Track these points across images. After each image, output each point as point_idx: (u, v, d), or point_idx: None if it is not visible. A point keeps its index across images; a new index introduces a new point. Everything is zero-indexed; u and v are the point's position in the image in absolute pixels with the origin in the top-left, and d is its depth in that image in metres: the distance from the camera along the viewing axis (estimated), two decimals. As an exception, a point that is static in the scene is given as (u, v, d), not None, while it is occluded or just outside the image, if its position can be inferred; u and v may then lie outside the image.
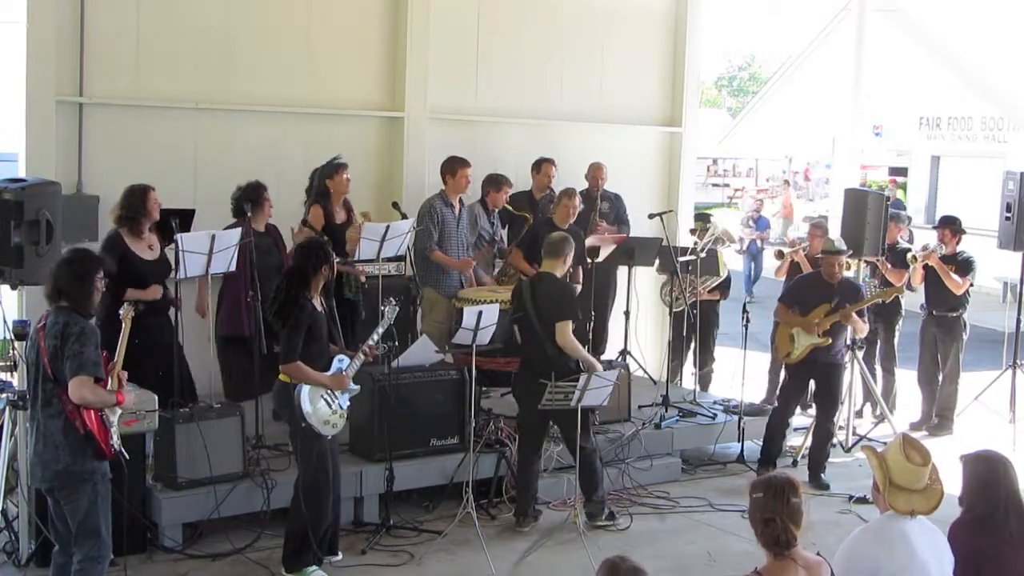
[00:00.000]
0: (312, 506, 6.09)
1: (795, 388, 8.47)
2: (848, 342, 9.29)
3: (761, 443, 8.45)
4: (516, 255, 8.86)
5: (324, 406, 6.05)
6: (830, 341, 8.07)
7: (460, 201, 8.68)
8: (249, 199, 7.57)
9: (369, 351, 6.30)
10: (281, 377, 6.10)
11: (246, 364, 7.34)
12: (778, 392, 8.71)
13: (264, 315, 6.75)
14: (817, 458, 8.28)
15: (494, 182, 8.93)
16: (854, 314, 8.07)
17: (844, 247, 8.32)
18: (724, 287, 9.99)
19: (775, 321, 8.56)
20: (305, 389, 5.99)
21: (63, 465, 4.97)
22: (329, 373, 6.11)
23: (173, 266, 6.93)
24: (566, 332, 6.87)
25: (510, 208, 9.15)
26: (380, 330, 6.38)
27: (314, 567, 6.17)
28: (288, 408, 6.07)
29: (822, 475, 8.21)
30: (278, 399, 6.23)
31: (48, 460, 5.00)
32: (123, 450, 5.21)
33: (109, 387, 5.06)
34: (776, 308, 8.47)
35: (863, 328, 8.37)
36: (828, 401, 8.33)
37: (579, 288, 8.84)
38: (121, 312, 5.47)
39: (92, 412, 4.97)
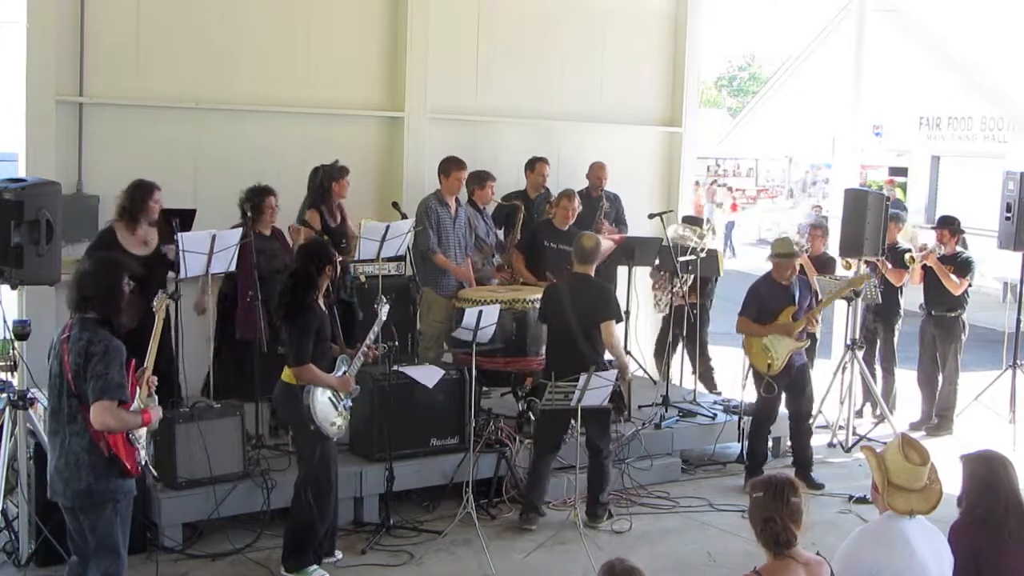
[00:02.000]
0: (314, 506, 6.09)
1: (776, 399, 8.17)
2: (848, 342, 9.31)
3: (746, 454, 8.36)
4: (516, 258, 8.85)
5: (331, 408, 6.07)
6: (809, 342, 7.98)
7: (457, 200, 8.67)
8: (250, 202, 7.56)
9: (369, 351, 6.31)
10: (284, 378, 6.10)
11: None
12: (757, 403, 8.34)
13: (272, 318, 6.75)
14: (803, 458, 8.18)
15: (477, 179, 8.84)
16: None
17: (793, 250, 8.11)
18: (703, 287, 9.65)
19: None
20: (316, 391, 5.99)
21: (85, 484, 4.78)
22: (335, 374, 6.13)
23: (172, 264, 6.91)
24: (613, 331, 7.02)
25: (501, 202, 9.13)
26: (376, 328, 6.37)
27: (315, 567, 6.17)
28: (291, 409, 6.07)
29: (812, 475, 8.14)
30: (280, 400, 6.23)
31: (69, 478, 4.79)
32: (151, 467, 5.10)
33: (137, 398, 4.87)
34: (738, 322, 8.17)
35: (816, 325, 8.20)
36: (803, 402, 8.19)
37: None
38: (155, 304, 5.27)
39: (120, 434, 4.79)
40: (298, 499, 6.15)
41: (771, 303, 8.06)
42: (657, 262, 9.60)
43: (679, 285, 9.33)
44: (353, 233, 8.02)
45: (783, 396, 8.25)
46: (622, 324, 7.58)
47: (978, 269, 9.77)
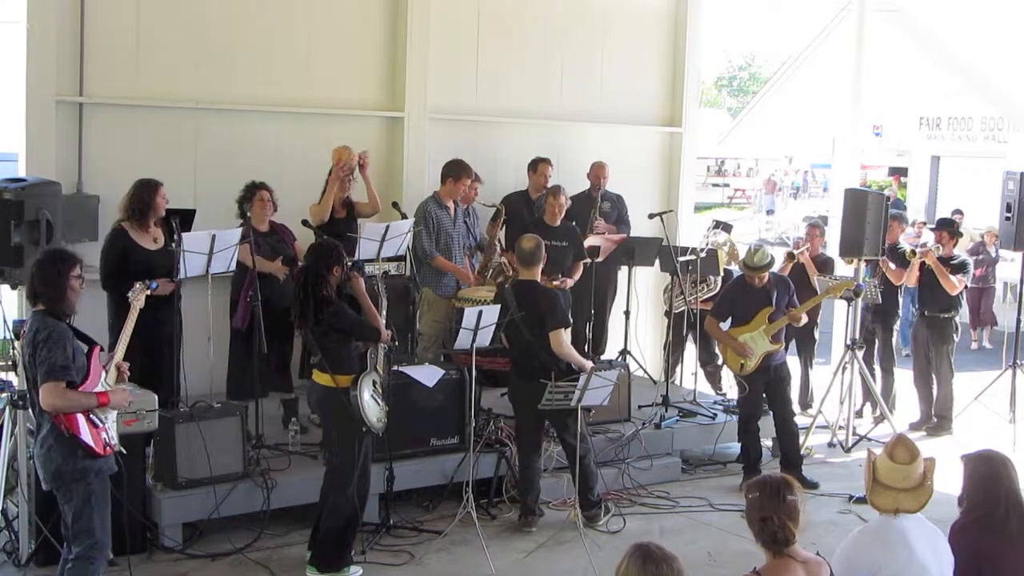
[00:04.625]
0: (360, 503, 6.16)
1: (754, 397, 8.21)
2: (848, 342, 9.31)
3: (741, 454, 8.36)
4: (512, 258, 8.80)
5: (375, 405, 6.09)
6: (783, 345, 7.95)
7: (455, 202, 8.66)
8: (243, 201, 7.62)
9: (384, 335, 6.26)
10: (321, 381, 6.06)
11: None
12: (738, 404, 8.46)
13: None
14: (791, 459, 8.14)
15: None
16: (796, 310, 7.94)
17: (766, 260, 7.96)
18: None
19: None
20: (363, 391, 5.97)
21: (55, 465, 4.95)
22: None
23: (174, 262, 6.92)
24: (560, 339, 6.86)
25: (500, 205, 9.12)
26: (383, 311, 6.34)
27: (356, 567, 6.18)
28: (333, 411, 6.05)
29: (805, 474, 8.09)
30: (321, 403, 6.22)
31: (44, 461, 5.00)
32: (121, 447, 5.16)
33: (104, 380, 5.00)
34: (707, 323, 8.27)
35: (802, 319, 8.15)
36: (782, 401, 8.18)
37: (568, 289, 8.79)
38: (130, 294, 5.41)
39: (76, 414, 4.91)
40: (336, 499, 6.09)
41: (747, 306, 8.08)
42: (657, 262, 9.63)
43: (695, 294, 9.30)
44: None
45: (763, 402, 8.29)
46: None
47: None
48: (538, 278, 7.08)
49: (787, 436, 8.22)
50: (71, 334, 4.98)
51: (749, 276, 8.04)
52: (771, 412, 8.30)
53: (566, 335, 6.94)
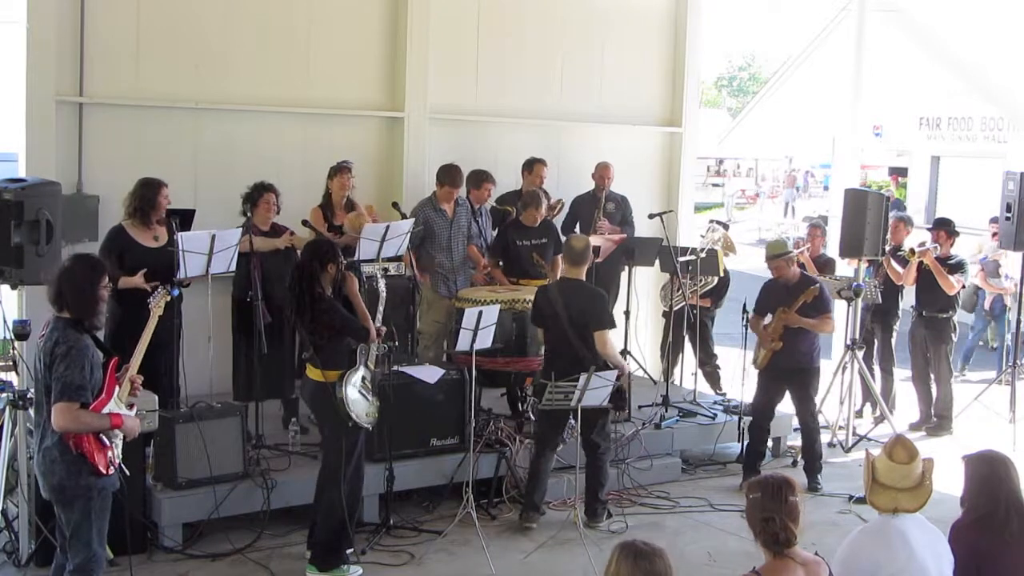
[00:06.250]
0: (352, 500, 6.15)
1: (766, 394, 8.22)
2: (848, 342, 9.31)
3: (744, 451, 8.38)
4: (492, 261, 8.80)
5: (363, 400, 6.09)
6: (781, 345, 7.92)
7: (456, 201, 8.64)
8: (248, 200, 7.62)
9: (377, 332, 6.27)
10: (313, 376, 6.07)
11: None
12: (752, 400, 8.46)
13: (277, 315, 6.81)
14: (810, 458, 8.20)
15: (474, 180, 8.79)
16: (795, 314, 7.87)
17: (778, 250, 8.01)
18: (716, 294, 9.80)
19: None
20: (348, 387, 5.98)
21: (57, 479, 4.82)
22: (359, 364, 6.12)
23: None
24: (606, 339, 6.93)
25: (495, 206, 9.11)
26: (381, 307, 6.36)
27: (353, 566, 6.18)
28: (325, 407, 6.06)
29: (819, 475, 8.16)
30: (314, 398, 6.22)
31: (45, 472, 4.86)
32: (124, 467, 5.03)
33: (116, 396, 4.86)
34: (751, 318, 8.38)
35: (819, 325, 7.98)
36: (798, 402, 8.19)
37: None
38: (151, 301, 5.32)
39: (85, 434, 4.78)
40: (330, 496, 6.09)
41: (771, 302, 8.13)
42: (657, 262, 9.62)
43: (694, 287, 9.30)
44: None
45: (776, 401, 8.31)
46: (617, 328, 7.54)
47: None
48: (583, 277, 7.11)
49: (803, 434, 8.26)
50: (92, 349, 4.82)
51: (769, 268, 8.11)
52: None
53: (610, 335, 7.00)
